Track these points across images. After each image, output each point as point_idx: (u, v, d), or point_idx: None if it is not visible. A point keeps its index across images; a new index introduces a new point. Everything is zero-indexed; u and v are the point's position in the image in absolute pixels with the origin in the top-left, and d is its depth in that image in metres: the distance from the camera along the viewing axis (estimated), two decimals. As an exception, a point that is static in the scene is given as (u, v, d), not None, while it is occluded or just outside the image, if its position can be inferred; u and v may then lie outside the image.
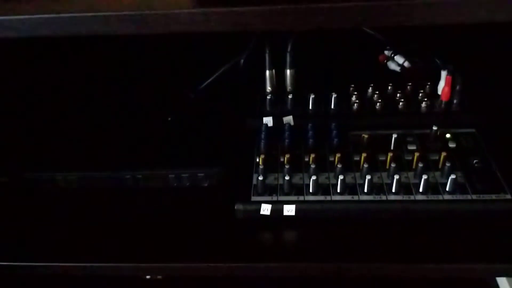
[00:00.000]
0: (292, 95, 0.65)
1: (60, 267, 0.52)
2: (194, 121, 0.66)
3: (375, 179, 0.53)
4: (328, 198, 0.52)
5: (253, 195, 0.53)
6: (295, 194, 0.53)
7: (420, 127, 0.59)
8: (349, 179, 0.53)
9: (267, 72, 0.66)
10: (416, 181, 0.52)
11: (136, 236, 0.53)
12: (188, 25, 0.35)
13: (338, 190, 0.52)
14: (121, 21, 0.35)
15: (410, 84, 0.66)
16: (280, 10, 0.34)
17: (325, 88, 0.65)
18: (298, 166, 0.56)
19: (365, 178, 0.52)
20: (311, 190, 0.52)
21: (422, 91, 0.64)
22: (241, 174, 0.56)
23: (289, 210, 0.52)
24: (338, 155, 0.55)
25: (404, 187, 0.52)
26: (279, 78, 0.67)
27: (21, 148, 0.64)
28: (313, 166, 0.54)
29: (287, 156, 0.56)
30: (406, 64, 0.71)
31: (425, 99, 0.63)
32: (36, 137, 0.66)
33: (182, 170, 0.57)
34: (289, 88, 0.67)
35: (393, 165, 0.53)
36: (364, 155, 0.55)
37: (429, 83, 0.65)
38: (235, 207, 0.52)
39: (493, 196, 0.50)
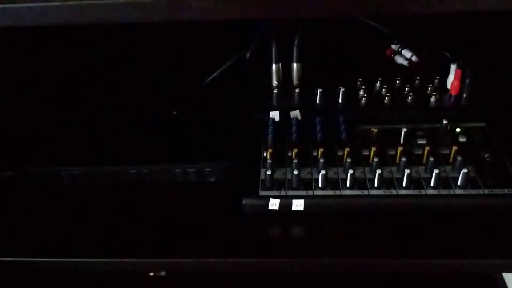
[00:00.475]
0: (299, 90, 0.64)
1: (65, 263, 0.51)
2: (200, 116, 0.66)
3: (385, 174, 0.52)
4: (338, 192, 0.51)
5: (261, 190, 0.52)
6: (304, 189, 0.52)
7: (429, 121, 0.59)
8: (358, 174, 0.53)
9: (274, 66, 0.65)
10: (427, 175, 0.52)
11: (141, 231, 0.52)
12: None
13: (348, 185, 0.51)
14: (128, 8, 0.34)
15: (418, 78, 0.65)
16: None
17: (332, 82, 0.65)
18: (306, 161, 0.55)
19: (375, 172, 0.51)
20: (320, 185, 0.52)
21: (431, 85, 0.64)
22: (249, 168, 0.55)
23: (298, 205, 0.51)
24: (347, 149, 0.54)
25: (414, 182, 0.51)
26: (285, 72, 0.66)
27: (26, 142, 0.63)
28: (321, 160, 0.53)
29: (295, 150, 0.55)
30: (414, 58, 0.70)
31: (434, 93, 0.62)
32: (41, 131, 0.65)
33: (189, 165, 0.56)
34: (295, 82, 0.66)
35: (403, 159, 0.52)
36: (373, 149, 0.54)
37: (438, 77, 0.64)
38: (243, 202, 0.51)
39: (505, 191, 0.50)
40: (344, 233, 0.50)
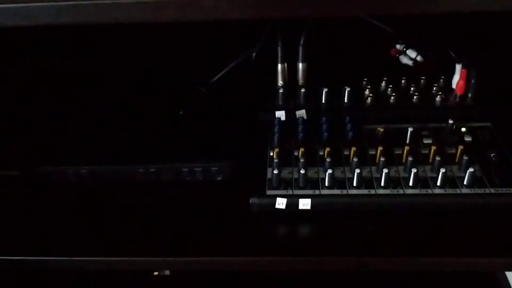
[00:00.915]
0: (305, 89, 0.64)
1: (71, 261, 0.51)
2: (206, 115, 0.66)
3: (392, 173, 0.52)
4: (344, 192, 0.51)
5: (268, 189, 0.52)
6: (311, 188, 0.52)
7: (434, 121, 0.59)
8: (365, 173, 0.53)
9: (279, 65, 0.65)
10: (433, 174, 0.52)
11: (148, 230, 0.52)
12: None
13: (354, 184, 0.52)
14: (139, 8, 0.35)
15: (423, 78, 0.65)
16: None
17: (337, 82, 0.65)
18: (312, 160, 0.55)
19: (382, 171, 0.51)
20: (326, 184, 0.52)
21: (436, 84, 0.64)
22: (255, 168, 0.55)
23: (304, 204, 0.51)
24: (353, 148, 0.55)
25: (421, 181, 0.51)
26: (291, 72, 0.66)
27: (33, 142, 0.63)
28: (328, 159, 0.53)
29: (301, 149, 0.55)
30: (418, 58, 0.70)
31: (439, 93, 0.62)
32: (48, 130, 0.65)
33: (196, 164, 0.57)
34: (301, 82, 0.66)
35: (410, 158, 0.52)
36: (380, 148, 0.54)
37: (443, 77, 0.65)
38: (250, 201, 0.52)
39: (512, 190, 0.50)
40: (351, 232, 0.50)
